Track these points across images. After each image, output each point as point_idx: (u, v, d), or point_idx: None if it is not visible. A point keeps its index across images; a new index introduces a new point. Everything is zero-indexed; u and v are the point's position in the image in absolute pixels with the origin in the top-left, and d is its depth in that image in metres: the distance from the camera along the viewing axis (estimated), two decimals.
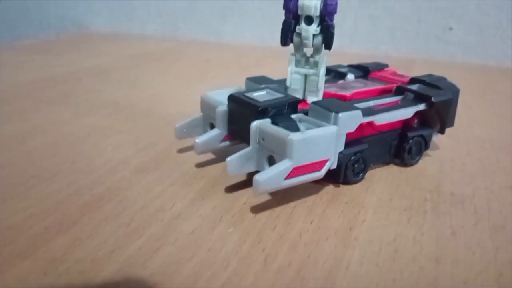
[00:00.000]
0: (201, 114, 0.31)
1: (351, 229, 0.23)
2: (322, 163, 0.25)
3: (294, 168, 0.23)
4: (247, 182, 0.27)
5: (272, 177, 0.23)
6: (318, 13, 0.27)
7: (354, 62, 0.75)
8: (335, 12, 0.27)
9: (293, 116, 0.26)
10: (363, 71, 0.35)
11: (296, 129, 0.25)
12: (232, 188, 0.27)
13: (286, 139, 0.23)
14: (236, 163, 0.25)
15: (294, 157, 0.23)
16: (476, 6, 0.66)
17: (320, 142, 0.24)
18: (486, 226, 0.24)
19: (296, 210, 0.25)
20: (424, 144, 0.30)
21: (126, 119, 0.39)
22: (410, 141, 0.29)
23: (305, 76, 0.29)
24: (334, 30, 0.27)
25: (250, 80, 0.32)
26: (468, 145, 0.34)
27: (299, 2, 0.27)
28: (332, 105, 0.26)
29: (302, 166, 0.24)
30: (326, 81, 0.33)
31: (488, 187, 0.28)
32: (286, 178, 0.23)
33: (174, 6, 0.84)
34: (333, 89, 0.31)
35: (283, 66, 0.55)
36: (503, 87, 0.56)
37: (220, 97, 0.30)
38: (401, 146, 0.29)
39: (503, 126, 0.40)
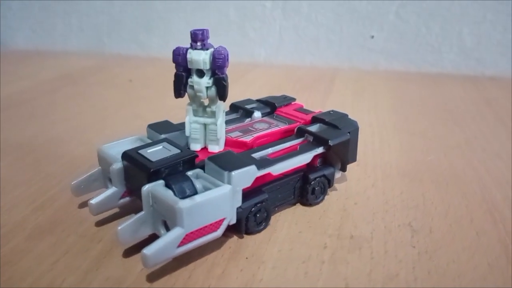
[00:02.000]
0: (100, 168, 0.30)
1: None
2: (218, 223, 0.24)
3: (186, 235, 0.23)
4: (148, 241, 0.26)
5: (162, 248, 0.22)
6: (208, 67, 0.26)
7: (281, 72, 0.77)
8: (224, 66, 0.26)
9: (190, 172, 0.26)
10: (270, 107, 0.35)
11: (191, 189, 0.24)
12: (131, 251, 0.26)
13: (175, 208, 0.22)
14: (129, 231, 0.24)
15: (185, 224, 0.23)
16: (395, 14, 0.68)
17: (213, 204, 0.24)
18: (379, 275, 0.24)
19: (194, 273, 0.24)
20: (328, 183, 0.31)
21: (29, 167, 0.36)
22: (312, 183, 0.30)
23: (205, 125, 0.29)
24: (226, 82, 0.27)
25: (151, 128, 0.31)
26: (375, 174, 0.35)
27: (188, 57, 0.26)
28: (225, 162, 0.25)
29: (196, 231, 0.23)
30: (232, 121, 0.33)
31: (387, 226, 0.28)
32: (180, 245, 0.23)
33: (97, 21, 0.80)
34: (235, 134, 0.30)
35: None
36: (421, 95, 0.58)
37: (116, 151, 0.29)
38: (304, 188, 0.30)
39: (412, 147, 0.41)
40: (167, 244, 0.22)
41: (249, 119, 0.34)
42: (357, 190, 0.33)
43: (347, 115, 0.33)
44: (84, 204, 0.30)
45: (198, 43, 0.26)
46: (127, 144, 0.30)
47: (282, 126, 0.32)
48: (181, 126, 0.31)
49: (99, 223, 0.29)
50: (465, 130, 0.46)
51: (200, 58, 0.26)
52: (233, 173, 0.24)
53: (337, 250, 0.26)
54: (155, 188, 0.24)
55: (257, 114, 0.34)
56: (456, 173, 0.36)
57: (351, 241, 0.27)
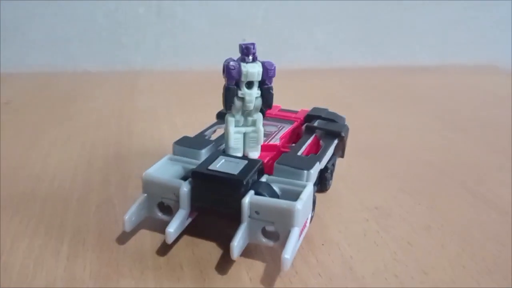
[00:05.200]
0: (145, 195, 0.28)
1: (352, 269, 0.26)
2: (307, 219, 0.27)
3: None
4: (226, 254, 0.27)
5: (294, 249, 0.24)
6: (260, 78, 0.28)
7: (161, 78, 0.77)
8: (274, 75, 0.28)
9: (263, 179, 0.27)
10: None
11: (276, 194, 0.26)
12: (221, 267, 0.26)
13: (293, 209, 0.24)
14: (240, 246, 0.25)
15: (299, 223, 0.25)
16: (262, 18, 0.75)
17: (308, 201, 0.26)
18: (421, 229, 0.30)
19: (298, 270, 0.26)
20: (333, 169, 0.36)
21: (9, 214, 0.30)
22: (329, 171, 0.34)
23: (244, 133, 0.30)
24: (273, 91, 0.29)
25: (181, 145, 0.30)
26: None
27: (243, 70, 0.27)
28: (297, 163, 0.28)
29: (302, 229, 0.25)
30: None
31: (391, 194, 0.35)
32: None
33: None
34: None
35: (101, 94, 0.52)
36: (303, 88, 0.67)
37: (166, 172, 0.28)
38: (322, 176, 0.34)
39: None
40: (296, 244, 0.24)
41: None
42: (343, 172, 0.38)
43: (327, 109, 0.38)
44: (122, 239, 0.28)
45: (250, 57, 0.28)
46: (167, 165, 0.29)
47: (288, 126, 0.35)
48: (202, 139, 0.31)
49: (160, 252, 0.27)
50: (359, 113, 0.56)
51: (255, 70, 0.27)
52: (311, 171, 0.27)
53: (377, 220, 0.31)
54: (258, 198, 0.25)
55: None
56: (395, 147, 0.45)
57: (379, 211, 0.33)
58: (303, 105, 0.39)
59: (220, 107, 0.37)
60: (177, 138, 0.31)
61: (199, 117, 0.51)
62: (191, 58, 0.74)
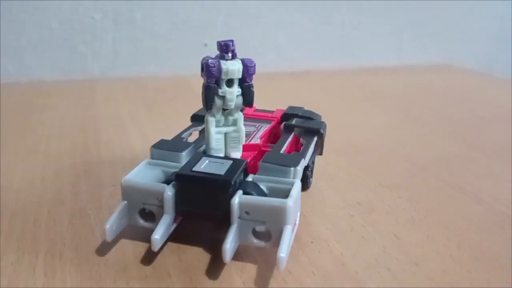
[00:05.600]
0: (125, 202, 0.26)
1: (344, 265, 0.26)
2: (297, 217, 0.26)
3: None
4: (215, 258, 0.26)
5: (288, 247, 0.23)
6: (240, 76, 0.27)
7: (122, 86, 0.75)
8: (254, 73, 0.28)
9: (249, 178, 0.26)
10: None
11: (263, 193, 0.26)
12: (211, 272, 0.25)
13: (285, 207, 0.23)
14: (232, 247, 0.24)
15: (291, 220, 0.24)
16: (223, 23, 0.75)
17: (298, 198, 0.26)
18: (404, 220, 0.31)
19: (290, 269, 0.25)
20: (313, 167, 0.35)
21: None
22: (309, 168, 0.34)
23: (225, 133, 0.29)
24: (253, 89, 0.28)
25: (160, 148, 0.29)
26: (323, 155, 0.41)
27: (223, 68, 0.27)
28: (283, 160, 0.27)
29: (293, 226, 0.25)
30: None
31: (372, 189, 0.35)
32: None
33: None
34: None
35: (60, 103, 0.54)
36: (272, 91, 0.67)
37: (146, 177, 0.27)
38: (305, 174, 0.33)
39: None
40: (290, 242, 0.23)
41: None
42: (321, 170, 0.38)
43: (303, 107, 0.38)
44: (102, 250, 0.26)
45: (229, 54, 0.27)
46: (146, 169, 0.28)
47: (267, 126, 0.34)
48: (181, 141, 0.30)
49: (145, 261, 0.26)
50: (328, 113, 0.56)
51: (235, 68, 0.27)
52: (298, 167, 0.27)
53: (362, 215, 0.31)
54: (248, 198, 0.24)
55: None
56: (368, 143, 0.45)
57: (362, 206, 0.33)
58: (271, 108, 0.39)
59: (187, 112, 0.36)
60: (147, 145, 0.30)
61: (166, 123, 0.50)
62: (151, 64, 0.72)
